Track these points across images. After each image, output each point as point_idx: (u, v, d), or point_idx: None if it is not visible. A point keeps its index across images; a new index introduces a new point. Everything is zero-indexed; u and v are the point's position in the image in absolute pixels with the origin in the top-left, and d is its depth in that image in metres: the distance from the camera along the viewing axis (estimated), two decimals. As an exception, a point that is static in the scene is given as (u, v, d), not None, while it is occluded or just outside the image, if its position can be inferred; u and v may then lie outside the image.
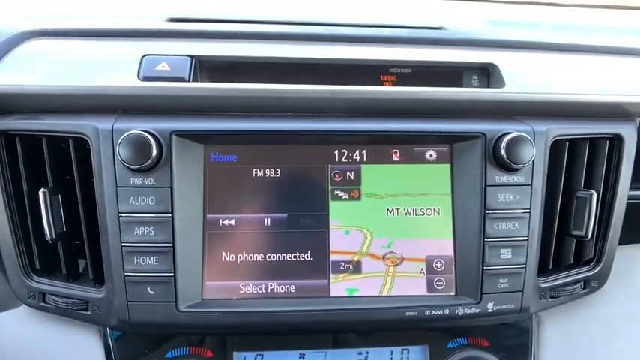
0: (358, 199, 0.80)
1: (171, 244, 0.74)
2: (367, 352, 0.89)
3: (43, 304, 0.80)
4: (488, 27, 0.97)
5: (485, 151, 0.79)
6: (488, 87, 0.83)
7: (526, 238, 0.80)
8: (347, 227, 0.79)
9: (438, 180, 0.81)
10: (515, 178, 0.79)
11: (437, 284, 0.80)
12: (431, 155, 0.81)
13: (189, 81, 0.75)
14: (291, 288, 0.78)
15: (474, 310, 0.79)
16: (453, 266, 0.80)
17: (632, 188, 0.88)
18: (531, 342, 0.94)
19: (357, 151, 0.80)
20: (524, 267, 0.80)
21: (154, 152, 0.71)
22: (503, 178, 0.79)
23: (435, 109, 0.81)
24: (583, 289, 0.90)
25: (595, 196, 0.83)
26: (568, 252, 0.87)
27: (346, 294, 0.79)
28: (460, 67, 0.83)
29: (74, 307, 0.79)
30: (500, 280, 0.79)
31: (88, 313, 0.79)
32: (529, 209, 0.80)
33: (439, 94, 0.79)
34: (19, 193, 0.77)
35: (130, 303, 0.75)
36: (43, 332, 0.86)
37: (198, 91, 0.76)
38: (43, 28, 0.77)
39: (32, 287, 0.79)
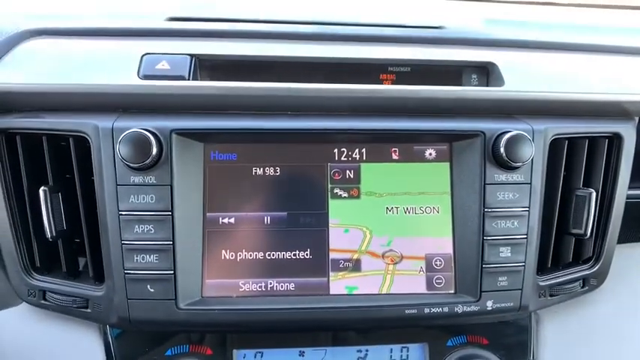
0: (358, 197, 0.80)
1: (171, 242, 0.74)
2: (367, 350, 0.89)
3: (43, 301, 0.80)
4: (487, 26, 0.97)
5: (485, 149, 0.79)
6: (487, 86, 0.83)
7: (525, 236, 0.80)
8: (346, 225, 0.79)
9: (437, 178, 0.81)
10: (514, 177, 0.79)
11: (436, 282, 0.80)
12: (430, 154, 0.81)
13: (189, 80, 0.75)
14: (291, 286, 0.78)
15: (474, 308, 0.79)
16: (453, 264, 0.80)
17: (631, 187, 0.88)
18: (530, 340, 0.94)
19: (357, 150, 0.80)
20: (524, 265, 0.80)
21: (154, 150, 0.71)
22: (503, 176, 0.79)
23: (435, 108, 0.81)
24: (582, 287, 0.90)
25: (594, 194, 0.83)
26: (567, 250, 0.87)
27: (346, 292, 0.79)
28: (459, 65, 0.84)
29: (74, 305, 0.79)
30: (500, 279, 0.79)
31: (88, 310, 0.79)
32: (528, 207, 0.80)
33: (438, 92, 0.79)
34: (19, 191, 0.78)
35: (130, 301, 0.75)
36: (44, 330, 0.87)
37: (198, 90, 0.76)
38: (43, 27, 0.78)
39: (32, 285, 0.80)
